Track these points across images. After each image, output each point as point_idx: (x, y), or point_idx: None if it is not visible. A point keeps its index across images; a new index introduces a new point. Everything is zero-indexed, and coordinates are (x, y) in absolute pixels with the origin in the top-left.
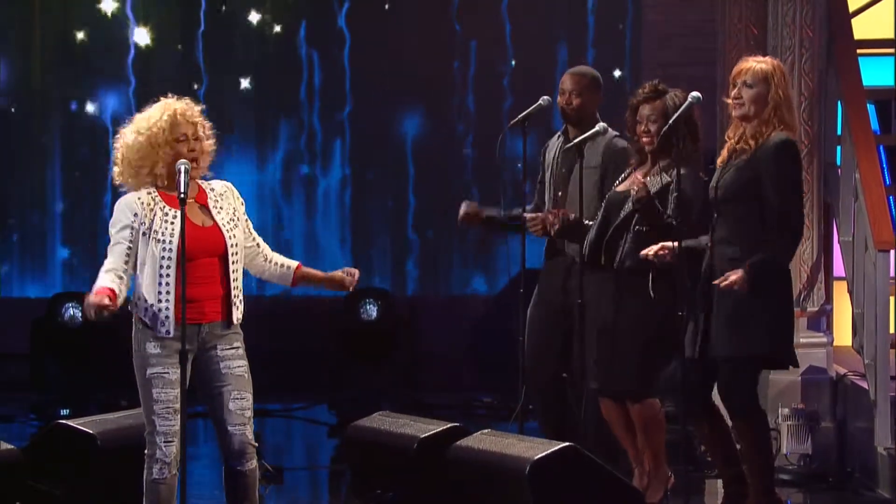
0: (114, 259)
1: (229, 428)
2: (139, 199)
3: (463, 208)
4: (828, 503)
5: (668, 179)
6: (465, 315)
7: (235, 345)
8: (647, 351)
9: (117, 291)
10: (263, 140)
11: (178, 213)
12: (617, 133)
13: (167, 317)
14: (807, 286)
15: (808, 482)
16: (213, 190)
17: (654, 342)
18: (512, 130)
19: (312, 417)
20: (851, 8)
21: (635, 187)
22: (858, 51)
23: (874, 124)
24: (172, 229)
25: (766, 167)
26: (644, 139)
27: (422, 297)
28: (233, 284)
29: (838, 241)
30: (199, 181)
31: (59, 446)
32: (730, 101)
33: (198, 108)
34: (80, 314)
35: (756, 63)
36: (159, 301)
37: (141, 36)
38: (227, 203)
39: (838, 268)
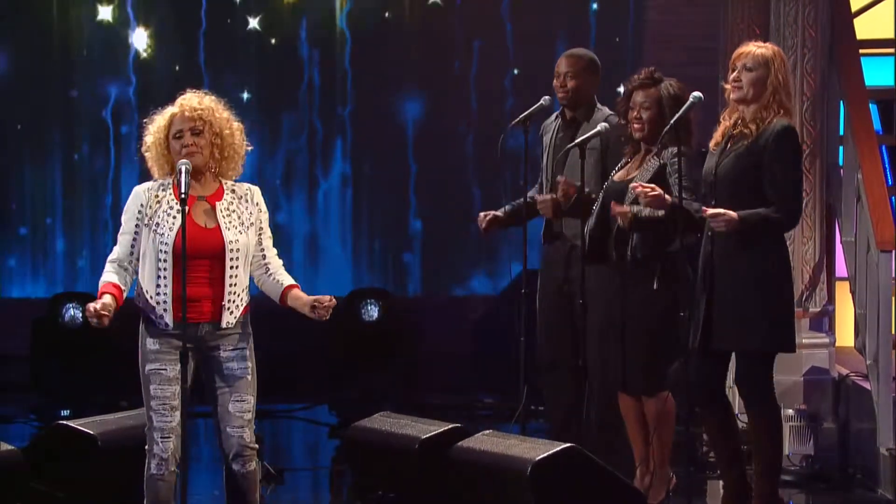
0: (119, 249)
1: (228, 429)
2: (149, 189)
3: (481, 220)
4: None
5: (662, 162)
6: (467, 315)
7: (240, 346)
8: (656, 343)
9: (122, 286)
10: (264, 140)
11: (182, 210)
12: (612, 112)
13: (165, 310)
14: (809, 286)
15: (810, 483)
16: (233, 192)
17: (661, 335)
18: (513, 130)
19: (313, 418)
20: (853, 8)
21: (620, 221)
22: (859, 51)
23: (876, 124)
24: (172, 224)
25: (768, 153)
26: (635, 125)
27: (423, 297)
28: (228, 288)
29: (841, 242)
30: (227, 181)
31: (59, 447)
32: (728, 85)
33: (209, 103)
34: (80, 315)
35: (756, 47)
36: (157, 294)
37: (140, 35)
38: (242, 207)
39: (841, 268)
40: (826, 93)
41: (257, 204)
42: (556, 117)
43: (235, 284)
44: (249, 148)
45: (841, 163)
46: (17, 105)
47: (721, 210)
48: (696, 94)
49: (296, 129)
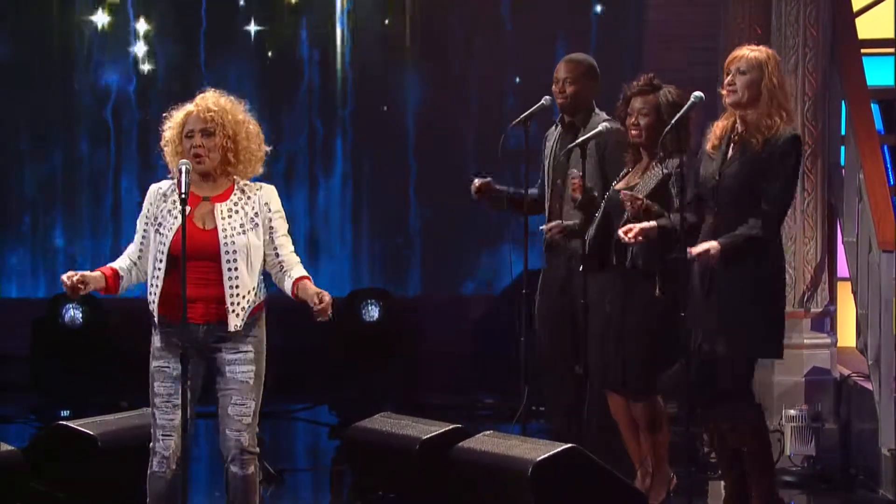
0: (132, 245)
1: (227, 432)
2: (160, 188)
3: (476, 182)
4: None
5: (666, 172)
6: (467, 316)
7: (244, 349)
8: (652, 349)
9: (121, 273)
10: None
11: (186, 211)
12: (609, 117)
13: (153, 309)
14: (811, 287)
15: (812, 483)
16: (242, 192)
17: (659, 340)
18: (513, 130)
19: (314, 418)
20: (854, 8)
21: (627, 236)
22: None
23: (878, 124)
24: (172, 225)
25: (775, 163)
26: (633, 132)
27: (423, 297)
28: (228, 290)
29: (842, 242)
30: (241, 180)
31: (59, 447)
32: (723, 90)
33: (225, 104)
34: (80, 315)
35: (749, 51)
36: (150, 294)
37: (141, 33)
38: (248, 207)
39: (842, 268)
40: (827, 92)
41: (266, 203)
42: (557, 125)
43: (237, 286)
44: (268, 149)
45: (842, 163)
46: (17, 104)
47: (703, 247)
48: (697, 93)
49: (296, 129)
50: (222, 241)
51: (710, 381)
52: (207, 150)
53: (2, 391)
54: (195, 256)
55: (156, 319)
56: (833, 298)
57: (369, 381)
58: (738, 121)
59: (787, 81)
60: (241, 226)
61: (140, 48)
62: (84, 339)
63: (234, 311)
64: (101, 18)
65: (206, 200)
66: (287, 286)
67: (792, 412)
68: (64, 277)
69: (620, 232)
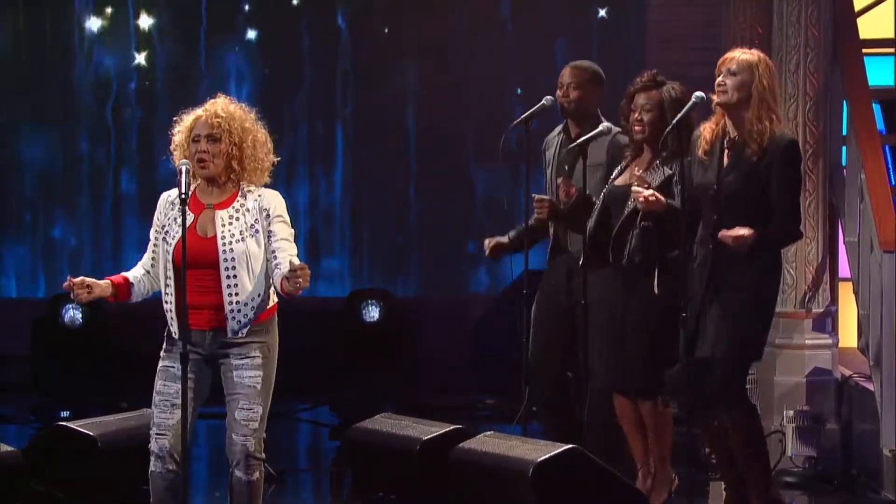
0: (146, 254)
1: (233, 436)
2: (168, 197)
3: (486, 246)
4: None
5: (670, 172)
6: (468, 316)
7: (252, 355)
8: (656, 346)
9: (133, 281)
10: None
11: (189, 219)
12: (620, 130)
13: (171, 318)
14: (812, 287)
15: (813, 484)
16: (244, 198)
17: (661, 337)
18: (514, 130)
19: (314, 419)
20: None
21: (639, 201)
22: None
23: (880, 124)
24: (175, 234)
25: (775, 170)
26: (636, 128)
27: (424, 298)
28: (228, 297)
29: (844, 242)
30: (246, 187)
31: (59, 448)
32: (715, 91)
33: (235, 110)
34: (80, 315)
35: (741, 53)
36: (165, 303)
37: (142, 31)
38: (250, 214)
39: (844, 269)
40: (829, 92)
41: (265, 209)
42: (559, 133)
43: (237, 294)
44: (276, 159)
45: (844, 163)
46: (17, 103)
47: (741, 231)
48: (699, 93)
49: (296, 129)
50: (220, 248)
51: (706, 383)
52: (212, 156)
53: (2, 391)
54: (197, 265)
55: (172, 328)
56: (834, 299)
57: (369, 382)
58: (727, 124)
59: (778, 85)
60: (241, 233)
61: (141, 45)
62: (84, 340)
63: (233, 317)
64: (101, 16)
65: (209, 208)
66: (277, 285)
67: (793, 413)
68: (67, 283)
69: (635, 189)
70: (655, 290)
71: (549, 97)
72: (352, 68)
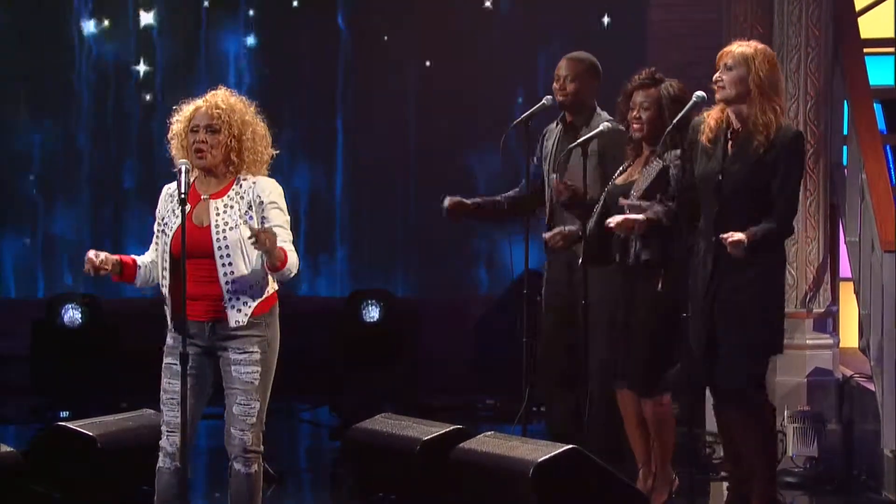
0: (152, 245)
1: (232, 430)
2: (168, 189)
3: (446, 202)
4: None
5: (664, 164)
6: (468, 316)
7: (251, 349)
8: (659, 344)
9: (140, 264)
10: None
11: (186, 210)
12: (611, 117)
13: (167, 309)
14: (813, 287)
15: (814, 485)
16: (240, 186)
17: (664, 336)
18: (515, 130)
19: (314, 419)
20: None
21: (620, 231)
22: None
23: (881, 124)
24: (173, 225)
25: (783, 163)
26: (634, 126)
27: (424, 298)
28: (225, 286)
29: (845, 242)
30: (241, 177)
31: (59, 448)
32: (714, 86)
33: (235, 102)
34: (79, 315)
35: (738, 46)
36: (163, 294)
37: (144, 29)
38: (244, 201)
39: (845, 268)
40: (830, 92)
41: (259, 195)
42: (557, 123)
43: (234, 282)
44: (275, 153)
45: (845, 163)
46: (18, 105)
47: (738, 236)
48: (699, 93)
49: (296, 129)
50: (214, 237)
51: (721, 379)
52: (210, 147)
53: (1, 392)
54: (193, 254)
55: (168, 319)
56: (835, 299)
57: (369, 382)
58: (731, 116)
59: (779, 76)
60: (235, 221)
61: (141, 42)
62: (83, 340)
63: (233, 306)
64: (101, 11)
65: (205, 198)
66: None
67: (794, 413)
68: (90, 254)
69: (610, 222)
70: (660, 288)
71: (548, 97)
72: (353, 68)
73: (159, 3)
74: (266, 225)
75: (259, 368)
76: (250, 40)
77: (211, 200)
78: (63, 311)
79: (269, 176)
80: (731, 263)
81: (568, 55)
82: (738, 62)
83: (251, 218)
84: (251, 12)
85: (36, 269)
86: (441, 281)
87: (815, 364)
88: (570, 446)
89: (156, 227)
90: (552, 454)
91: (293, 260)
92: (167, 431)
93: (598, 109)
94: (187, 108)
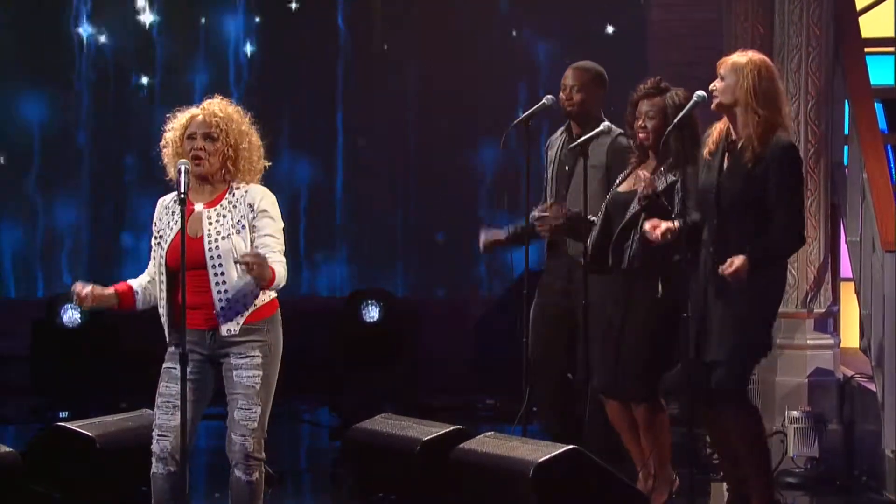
0: (151, 262)
1: (232, 436)
2: (164, 202)
3: (482, 238)
4: None
5: (674, 179)
6: (468, 316)
7: (252, 354)
8: (653, 351)
9: (137, 289)
10: (264, 140)
11: (180, 221)
12: (621, 131)
13: (165, 322)
14: (814, 287)
15: (815, 485)
16: (232, 195)
17: (660, 342)
18: (515, 129)
19: (314, 419)
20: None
21: (642, 184)
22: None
23: (882, 123)
24: (169, 236)
25: (772, 175)
26: (640, 135)
27: (424, 298)
28: (217, 295)
29: (845, 242)
30: (234, 186)
31: (58, 449)
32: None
33: (232, 111)
34: (78, 315)
35: (736, 56)
36: (161, 307)
37: (146, 18)
38: (237, 210)
39: (846, 268)
40: (831, 92)
41: (250, 204)
42: (562, 133)
43: (226, 291)
44: (267, 164)
45: (846, 162)
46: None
47: (737, 264)
48: (700, 92)
49: (297, 129)
50: (206, 246)
51: (708, 384)
52: (208, 154)
53: (1, 392)
54: (189, 265)
55: (166, 329)
56: (836, 299)
57: (369, 382)
58: (731, 127)
59: (774, 87)
60: (228, 229)
61: (142, 37)
62: (83, 340)
63: (225, 315)
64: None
65: (198, 210)
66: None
67: (795, 413)
68: (76, 287)
69: (647, 225)
70: (658, 294)
71: (549, 96)
72: (353, 68)
73: (159, 2)
74: (256, 234)
75: (260, 373)
76: (249, 42)
77: (204, 210)
78: (62, 310)
79: (269, 177)
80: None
81: (574, 65)
82: (728, 72)
83: (244, 227)
84: (255, 19)
85: (35, 269)
86: (441, 281)
87: (816, 364)
88: (571, 447)
89: (153, 242)
90: (552, 454)
91: (281, 275)
92: (158, 435)
93: (605, 121)
94: (182, 116)
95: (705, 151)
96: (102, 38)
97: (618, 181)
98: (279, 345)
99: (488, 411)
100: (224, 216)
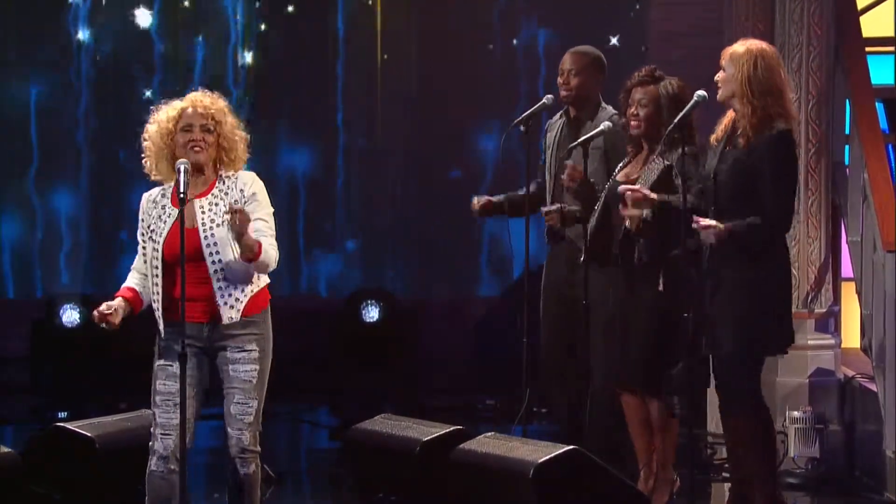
0: (137, 258)
1: (229, 430)
2: (150, 196)
3: (475, 202)
4: None
5: (668, 163)
6: (468, 316)
7: (248, 348)
8: (659, 342)
9: (139, 289)
10: (264, 140)
11: (174, 214)
12: (616, 112)
13: (160, 316)
14: (814, 287)
15: (816, 486)
16: (223, 183)
17: (662, 338)
18: (515, 130)
19: (314, 420)
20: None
21: (626, 223)
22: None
23: (883, 123)
24: (163, 229)
25: (763, 163)
26: (632, 123)
27: (424, 298)
28: (216, 283)
29: (846, 242)
30: (223, 174)
31: (57, 449)
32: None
33: (222, 104)
34: (78, 315)
35: (737, 46)
36: (154, 302)
37: (144, 19)
38: (229, 197)
39: (847, 268)
40: (831, 91)
41: (241, 189)
42: (561, 116)
43: (225, 278)
44: (248, 155)
45: (847, 162)
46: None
47: (710, 222)
48: (700, 92)
49: (296, 129)
50: (202, 235)
51: (717, 380)
52: (207, 145)
53: (0, 393)
54: (186, 258)
55: (161, 324)
56: (837, 299)
57: (369, 382)
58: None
59: (774, 76)
60: (221, 217)
61: (140, 38)
62: (82, 340)
63: (226, 303)
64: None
65: (190, 200)
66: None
67: (796, 414)
68: (98, 321)
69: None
70: (661, 288)
71: (549, 96)
72: (352, 69)
73: (159, 3)
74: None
75: (257, 367)
76: (249, 43)
77: (196, 200)
78: (61, 311)
79: (269, 177)
80: (728, 266)
81: (572, 49)
82: (728, 63)
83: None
84: (255, 20)
85: (34, 269)
86: (441, 281)
87: (817, 364)
88: (571, 447)
89: (140, 237)
90: (552, 455)
91: (271, 256)
92: (161, 434)
93: (603, 104)
94: (170, 110)
95: (713, 138)
96: (102, 36)
97: (616, 171)
98: (271, 340)
99: (488, 411)
100: (217, 204)
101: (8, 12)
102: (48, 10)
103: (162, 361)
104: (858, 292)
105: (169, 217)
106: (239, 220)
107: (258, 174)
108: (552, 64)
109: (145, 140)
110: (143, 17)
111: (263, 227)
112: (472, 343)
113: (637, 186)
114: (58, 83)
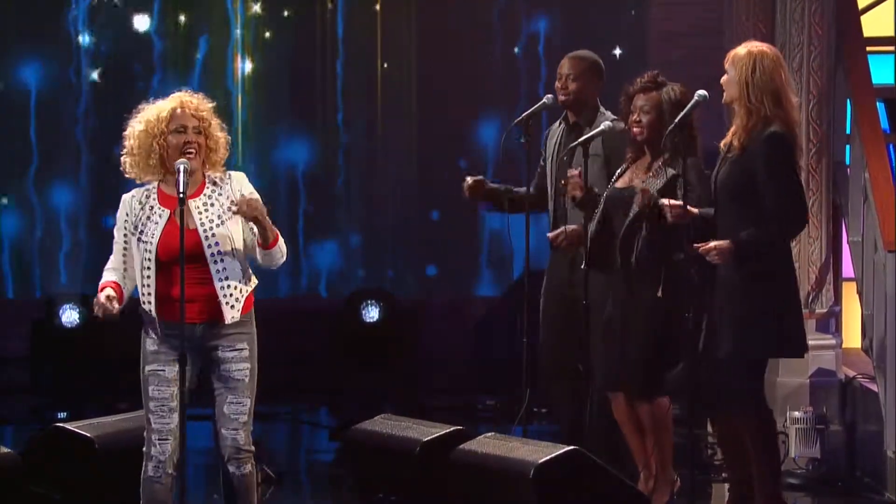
0: (113, 258)
1: (223, 431)
2: (134, 196)
3: (468, 181)
4: None
5: (674, 172)
6: (468, 316)
7: (239, 346)
8: (656, 349)
9: (121, 284)
10: (264, 140)
11: (165, 214)
12: (615, 117)
13: (152, 318)
14: (815, 287)
15: (817, 486)
16: (214, 184)
17: (662, 341)
18: (515, 130)
19: (313, 420)
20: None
21: (638, 199)
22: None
23: (883, 123)
24: (154, 230)
25: (758, 163)
26: (635, 129)
27: (424, 298)
28: (219, 284)
29: (847, 242)
30: (210, 175)
31: (57, 450)
32: None
33: (210, 105)
34: (77, 315)
35: (740, 48)
36: (145, 303)
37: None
38: (224, 197)
39: (847, 268)
40: (832, 91)
41: (239, 189)
42: (560, 123)
43: (227, 278)
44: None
45: (848, 162)
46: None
47: (712, 245)
48: (701, 92)
49: (296, 128)
50: (203, 235)
51: (718, 382)
52: (199, 147)
53: (0, 392)
54: (185, 257)
55: (156, 324)
56: (838, 299)
57: (369, 382)
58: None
59: (774, 79)
60: (219, 217)
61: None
62: (82, 341)
63: (228, 303)
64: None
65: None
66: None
67: (797, 414)
68: (98, 310)
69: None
70: (660, 293)
71: (549, 96)
72: (352, 70)
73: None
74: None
75: (248, 366)
76: (250, 41)
77: (190, 201)
78: (61, 311)
79: (270, 176)
80: (728, 269)
81: (570, 54)
82: (730, 64)
83: (234, 213)
84: (255, 21)
85: (33, 269)
86: (441, 281)
87: (818, 365)
88: (571, 447)
89: (121, 237)
90: (552, 455)
91: (282, 245)
92: (159, 440)
93: (602, 108)
94: (158, 110)
95: (722, 142)
96: (102, 36)
97: (615, 176)
98: (256, 334)
99: (488, 411)
100: (212, 205)
101: (8, 12)
102: (49, 10)
103: (154, 367)
104: (859, 292)
105: (160, 217)
106: (254, 206)
107: (259, 174)
108: (552, 64)
109: (130, 140)
110: (143, 18)
111: None
112: (472, 343)
113: (678, 202)
114: (58, 82)
